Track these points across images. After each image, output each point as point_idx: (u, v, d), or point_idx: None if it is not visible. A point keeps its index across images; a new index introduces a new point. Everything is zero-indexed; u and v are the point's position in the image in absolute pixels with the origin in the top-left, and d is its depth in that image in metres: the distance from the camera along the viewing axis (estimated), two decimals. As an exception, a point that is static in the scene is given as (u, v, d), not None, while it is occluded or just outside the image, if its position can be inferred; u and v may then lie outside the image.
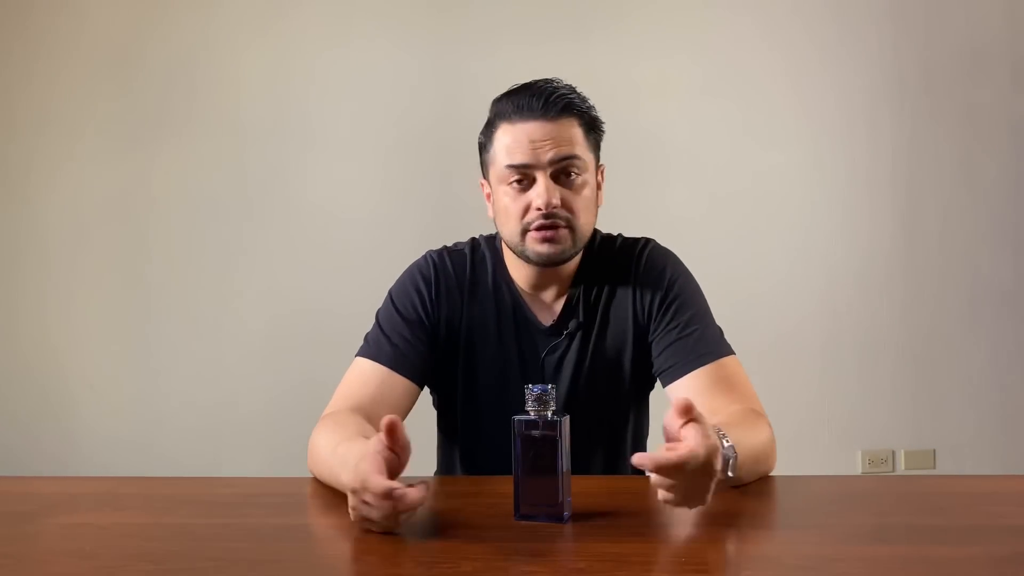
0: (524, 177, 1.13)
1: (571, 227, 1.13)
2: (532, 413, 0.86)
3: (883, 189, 2.70)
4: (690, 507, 0.82)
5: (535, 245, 1.13)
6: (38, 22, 2.76)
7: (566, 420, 0.86)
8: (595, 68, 2.67)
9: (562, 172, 1.13)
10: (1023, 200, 2.70)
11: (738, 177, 2.70)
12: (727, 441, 0.89)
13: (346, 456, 0.89)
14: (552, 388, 0.87)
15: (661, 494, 0.81)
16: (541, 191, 1.11)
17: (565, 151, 1.12)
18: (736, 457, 0.90)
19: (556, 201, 1.11)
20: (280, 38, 2.74)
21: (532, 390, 0.86)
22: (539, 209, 1.11)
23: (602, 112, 1.20)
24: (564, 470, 0.85)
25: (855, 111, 2.70)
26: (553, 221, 1.12)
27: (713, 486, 0.82)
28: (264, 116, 2.73)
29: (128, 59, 2.75)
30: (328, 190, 2.72)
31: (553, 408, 0.86)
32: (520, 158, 1.12)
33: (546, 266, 1.17)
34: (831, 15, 2.70)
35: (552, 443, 0.85)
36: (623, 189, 2.62)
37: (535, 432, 0.85)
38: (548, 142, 1.11)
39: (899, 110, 2.70)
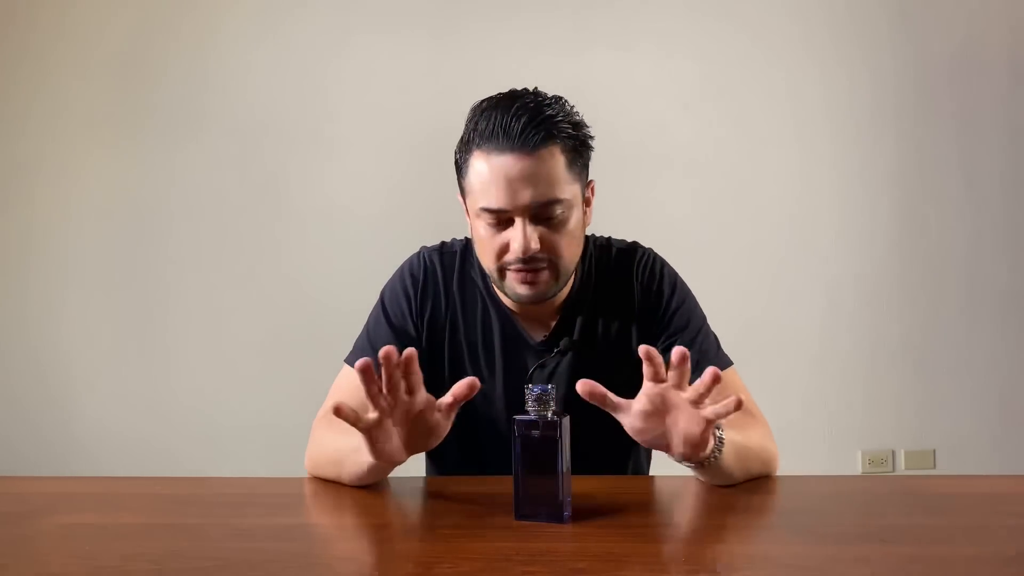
0: (500, 218, 1.05)
1: (552, 267, 1.07)
2: (532, 413, 0.85)
3: (883, 189, 2.70)
4: (688, 440, 0.86)
5: (515, 286, 1.08)
6: (42, 22, 2.76)
7: (566, 420, 0.86)
8: (596, 69, 2.68)
9: (542, 213, 1.04)
10: (1023, 200, 2.70)
11: (738, 179, 2.70)
12: (718, 431, 0.92)
13: (353, 441, 0.93)
14: (552, 388, 0.86)
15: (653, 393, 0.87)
16: (518, 236, 1.03)
17: (544, 195, 1.02)
18: (722, 439, 0.92)
19: (535, 246, 1.04)
20: (284, 39, 2.74)
21: (532, 390, 0.86)
22: (516, 254, 1.04)
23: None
24: (564, 470, 0.85)
25: (855, 111, 2.70)
26: (533, 265, 1.05)
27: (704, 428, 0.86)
28: (266, 117, 2.73)
29: (132, 59, 2.75)
30: (329, 190, 2.72)
31: (553, 408, 0.86)
32: (495, 202, 1.03)
33: (526, 304, 1.13)
34: (830, 15, 2.70)
35: (552, 443, 0.85)
36: (622, 191, 2.62)
37: (535, 432, 0.85)
38: (526, 182, 1.01)
39: (899, 110, 2.70)
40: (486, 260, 1.11)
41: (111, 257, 2.74)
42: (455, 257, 1.23)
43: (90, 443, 2.71)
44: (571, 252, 1.09)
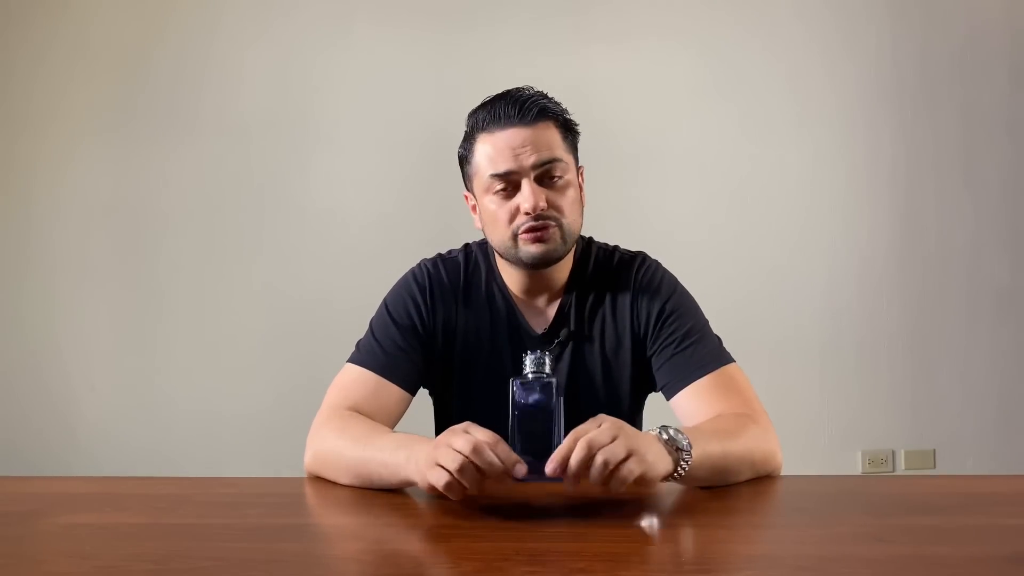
0: (508, 184, 1.13)
1: (559, 226, 1.14)
2: (529, 375, 0.91)
3: (882, 189, 2.70)
4: (622, 479, 0.83)
5: (527, 246, 1.14)
6: (43, 23, 2.76)
7: (559, 382, 0.93)
8: (595, 70, 2.68)
9: (545, 175, 1.13)
10: (1022, 200, 2.70)
11: (737, 178, 2.70)
12: (668, 432, 0.91)
13: (391, 441, 0.98)
14: (548, 352, 0.93)
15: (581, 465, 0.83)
16: (527, 195, 1.12)
17: (546, 155, 1.13)
18: (688, 448, 0.91)
19: (543, 203, 1.12)
20: (284, 39, 2.74)
21: (529, 354, 0.92)
22: (527, 213, 1.12)
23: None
24: (558, 428, 0.88)
25: (854, 111, 2.70)
26: (543, 223, 1.13)
27: (631, 445, 0.83)
28: (268, 117, 2.73)
29: (133, 59, 2.75)
30: (330, 191, 2.72)
31: (548, 371, 0.91)
32: (503, 166, 1.12)
33: (539, 266, 1.18)
34: (830, 15, 2.70)
35: (546, 403, 0.89)
36: (623, 190, 2.63)
37: (532, 392, 0.89)
38: (528, 147, 1.12)
39: (898, 110, 2.70)
40: (499, 231, 1.16)
41: (110, 257, 2.74)
42: (457, 263, 1.26)
43: (90, 443, 2.71)
44: (573, 215, 1.17)
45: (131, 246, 2.74)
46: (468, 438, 0.84)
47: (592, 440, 0.83)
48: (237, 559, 0.76)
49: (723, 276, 2.63)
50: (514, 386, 0.89)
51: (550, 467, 0.83)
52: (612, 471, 0.82)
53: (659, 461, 0.88)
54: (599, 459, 0.82)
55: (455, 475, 0.83)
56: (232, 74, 2.75)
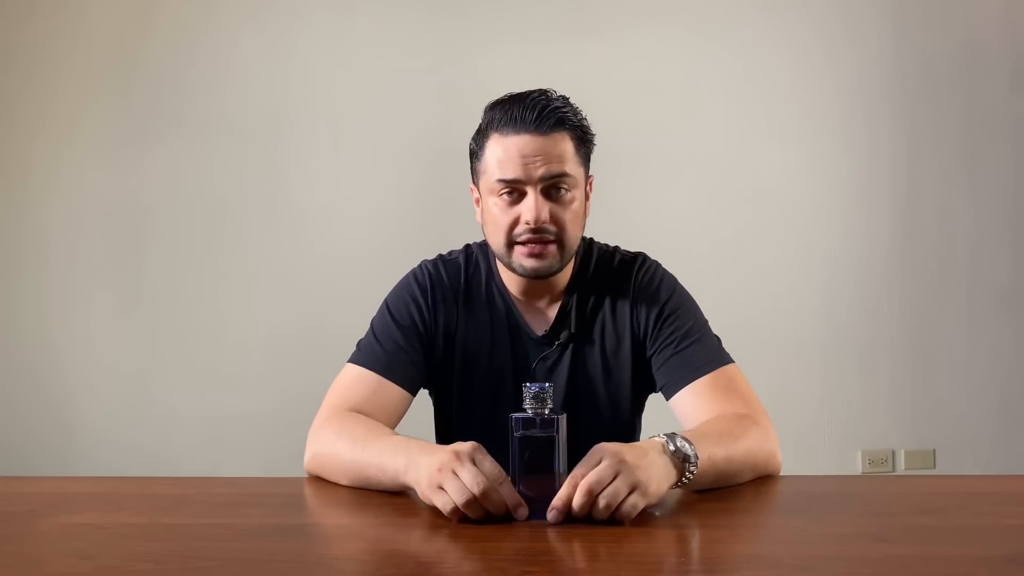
0: (514, 191, 1.13)
1: (559, 241, 1.14)
2: (529, 411, 0.86)
3: (883, 189, 2.70)
4: (623, 513, 0.82)
5: (522, 259, 1.14)
6: (38, 22, 2.75)
7: (563, 418, 0.86)
8: (596, 68, 2.68)
9: (552, 188, 1.13)
10: (1023, 200, 2.70)
11: (738, 177, 2.70)
12: (675, 443, 0.90)
13: (390, 445, 0.97)
14: (549, 386, 0.87)
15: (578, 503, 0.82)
16: (531, 206, 1.11)
17: (555, 169, 1.12)
18: (694, 459, 0.90)
19: (545, 216, 1.11)
20: (280, 39, 2.74)
21: (530, 388, 0.87)
22: (528, 224, 1.11)
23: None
24: (561, 468, 0.85)
25: (855, 111, 2.70)
26: (541, 236, 1.12)
27: (632, 480, 0.82)
28: (264, 118, 2.73)
29: (127, 59, 2.75)
30: (328, 191, 2.72)
31: (550, 406, 0.86)
32: (511, 173, 1.12)
33: (532, 279, 1.18)
34: (830, 15, 2.70)
35: (549, 441, 0.85)
36: (623, 190, 2.62)
37: (532, 430, 0.85)
38: (539, 158, 1.11)
39: (899, 110, 2.70)
40: (497, 235, 1.16)
41: (108, 256, 2.74)
42: (457, 264, 1.26)
43: (89, 443, 2.71)
44: (574, 230, 1.16)
45: (128, 245, 2.74)
46: (476, 474, 0.83)
47: (592, 484, 0.82)
48: (237, 559, 0.76)
49: (723, 276, 2.63)
50: (514, 422, 0.86)
51: (552, 516, 0.83)
52: (616, 508, 0.82)
53: (663, 482, 0.87)
54: (601, 502, 0.81)
55: (459, 506, 0.83)
56: (228, 74, 2.74)
